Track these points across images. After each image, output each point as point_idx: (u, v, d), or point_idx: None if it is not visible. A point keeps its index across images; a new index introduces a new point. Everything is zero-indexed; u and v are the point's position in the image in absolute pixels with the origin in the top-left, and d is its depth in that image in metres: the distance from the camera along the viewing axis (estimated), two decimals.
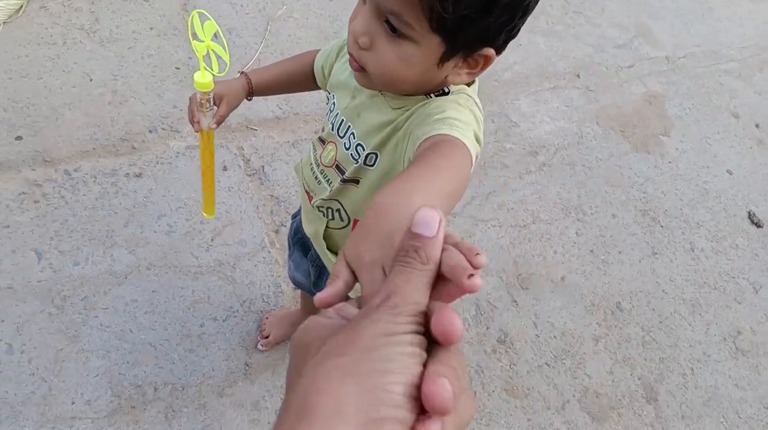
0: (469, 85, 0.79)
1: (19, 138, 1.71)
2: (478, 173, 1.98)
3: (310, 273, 1.11)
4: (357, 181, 0.85)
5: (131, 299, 1.49)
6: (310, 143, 0.95)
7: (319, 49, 0.96)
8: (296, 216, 1.14)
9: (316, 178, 0.91)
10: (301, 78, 0.98)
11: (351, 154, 0.83)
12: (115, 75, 1.92)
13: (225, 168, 1.78)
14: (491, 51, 0.68)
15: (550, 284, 1.75)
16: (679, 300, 1.81)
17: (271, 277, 1.60)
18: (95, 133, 1.77)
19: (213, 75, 0.88)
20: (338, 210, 0.91)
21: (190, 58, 2.02)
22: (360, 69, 0.72)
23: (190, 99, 0.93)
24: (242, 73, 0.98)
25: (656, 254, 1.90)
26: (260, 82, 0.98)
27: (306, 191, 0.96)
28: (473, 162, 0.66)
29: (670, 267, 1.88)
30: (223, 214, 1.68)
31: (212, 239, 1.63)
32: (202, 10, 0.86)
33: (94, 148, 1.74)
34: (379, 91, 0.79)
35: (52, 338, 1.40)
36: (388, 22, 0.65)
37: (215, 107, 0.93)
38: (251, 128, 1.89)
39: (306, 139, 1.89)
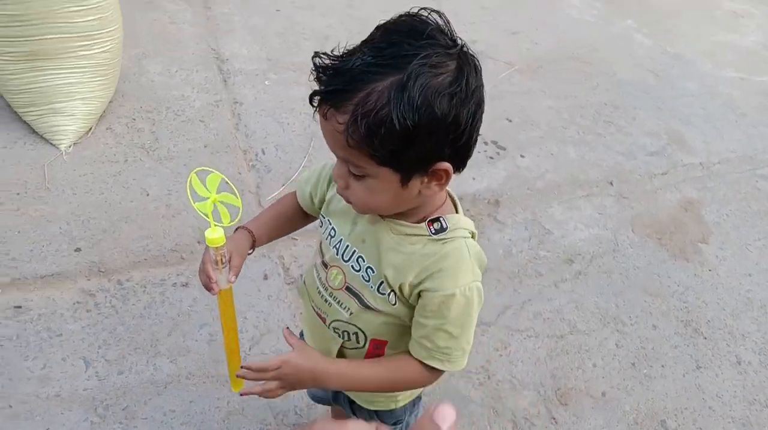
0: (456, 208, 0.90)
1: (78, 250, 1.84)
2: (512, 281, 1.99)
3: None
4: (378, 310, 0.90)
5: (169, 409, 1.52)
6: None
7: (293, 191, 1.05)
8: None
9: (326, 301, 0.97)
10: (292, 215, 1.06)
11: (361, 276, 0.90)
12: (169, 190, 2.07)
13: (265, 277, 1.86)
14: (445, 165, 0.76)
15: (591, 400, 1.70)
16: (728, 418, 1.72)
17: (305, 390, 1.62)
18: (148, 245, 1.89)
19: (224, 228, 0.88)
20: (356, 333, 0.96)
21: (240, 173, 2.18)
22: (348, 202, 0.85)
23: (203, 260, 0.92)
24: (240, 227, 1.01)
25: (701, 367, 1.83)
26: (259, 231, 1.02)
27: (316, 313, 1.00)
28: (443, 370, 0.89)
29: (716, 382, 1.80)
30: (261, 322, 1.74)
31: (250, 349, 1.68)
32: (200, 168, 0.90)
33: (145, 259, 1.85)
34: (380, 217, 0.87)
35: None
36: (348, 167, 0.78)
37: (228, 263, 0.92)
38: (292, 238, 1.99)
39: None
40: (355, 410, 1.14)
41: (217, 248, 0.88)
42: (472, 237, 0.89)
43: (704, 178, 2.54)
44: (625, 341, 1.87)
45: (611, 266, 2.10)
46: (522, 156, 2.49)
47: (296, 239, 1.99)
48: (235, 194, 0.90)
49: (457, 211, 0.90)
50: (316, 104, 0.75)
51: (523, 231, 2.17)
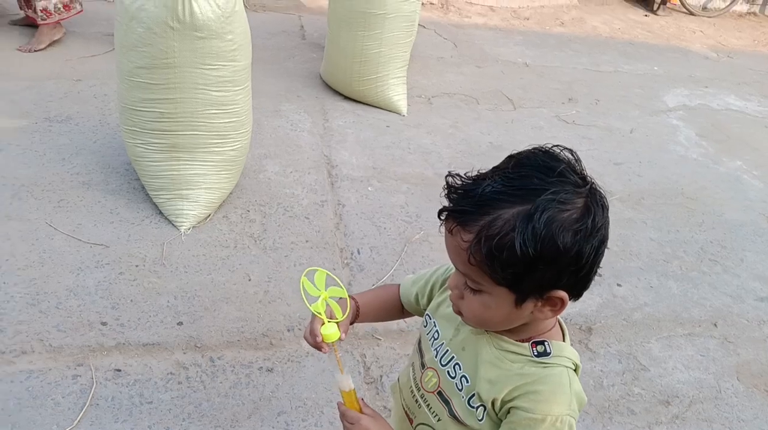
0: (563, 336, 0.90)
1: (180, 323, 1.97)
2: (601, 416, 1.88)
3: None
4: (463, 424, 0.90)
5: None
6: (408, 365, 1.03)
7: (396, 284, 1.10)
8: None
9: (416, 401, 0.98)
10: (392, 306, 1.11)
11: (455, 383, 0.91)
12: (269, 278, 2.20)
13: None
14: (562, 293, 0.78)
15: None
16: None
17: None
18: (242, 327, 1.99)
19: (338, 322, 0.96)
20: None
21: (334, 269, 2.28)
22: (459, 313, 0.88)
23: (311, 323, 0.98)
24: (350, 297, 1.06)
25: None
26: (364, 308, 1.07)
27: (405, 412, 1.01)
28: None
29: None
30: (337, 419, 1.73)
31: None
32: (308, 269, 0.99)
33: (238, 340, 1.94)
34: (484, 330, 0.89)
35: None
36: (466, 281, 0.82)
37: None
38: (376, 337, 2.02)
39: None
40: None
41: (332, 343, 0.95)
42: (576, 370, 0.88)
43: None
44: None
45: (712, 414, 1.93)
46: (619, 285, 2.42)
47: (380, 339, 2.02)
48: (340, 286, 0.99)
49: (564, 340, 0.90)
50: (443, 218, 0.81)
51: (616, 364, 2.07)
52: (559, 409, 0.83)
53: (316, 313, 0.95)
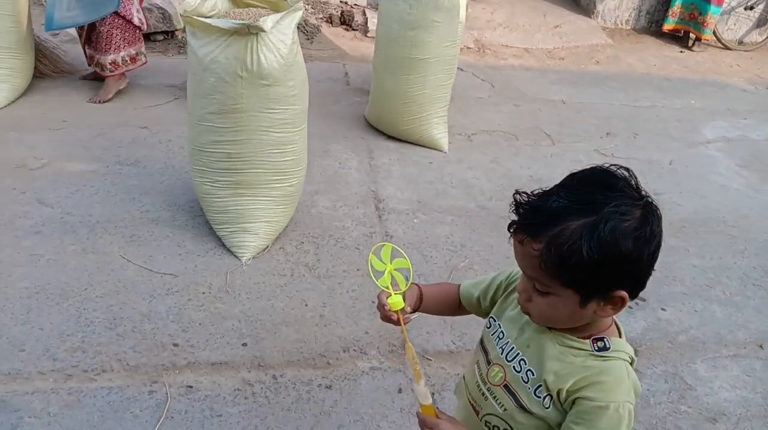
0: (620, 333, 1.01)
1: (244, 344, 2.13)
2: None
3: None
4: (530, 412, 1.01)
5: None
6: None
7: (456, 284, 1.23)
8: None
9: (483, 394, 1.08)
10: (451, 303, 1.22)
11: (521, 377, 1.02)
12: (324, 303, 2.34)
13: (399, 390, 1.99)
14: (623, 293, 0.90)
15: None
16: None
17: None
18: (301, 348, 2.13)
19: (402, 293, 1.09)
20: (505, 429, 1.05)
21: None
22: (527, 313, 1.00)
23: (379, 300, 1.12)
24: (416, 284, 1.19)
25: None
26: (426, 297, 1.20)
27: (472, 406, 1.12)
28: None
29: None
30: None
31: None
32: (375, 247, 1.12)
33: (298, 360, 2.08)
34: (548, 328, 1.00)
35: None
36: (535, 284, 0.94)
37: (410, 317, 1.13)
38: (427, 358, 2.12)
39: None
40: None
41: (397, 310, 1.08)
42: (632, 363, 0.99)
43: None
44: None
45: None
46: (663, 309, 2.47)
47: (431, 360, 2.12)
48: (404, 257, 1.11)
49: (620, 336, 1.01)
50: (512, 231, 0.95)
51: (662, 383, 2.11)
52: (620, 396, 0.93)
53: (383, 287, 1.09)
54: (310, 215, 2.87)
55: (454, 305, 1.24)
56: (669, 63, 5.64)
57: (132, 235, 2.61)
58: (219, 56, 2.19)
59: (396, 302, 1.09)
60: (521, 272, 0.99)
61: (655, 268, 0.93)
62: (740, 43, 6.32)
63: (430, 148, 3.61)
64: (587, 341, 0.98)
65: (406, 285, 1.12)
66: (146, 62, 3.91)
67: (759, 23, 6.32)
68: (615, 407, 0.92)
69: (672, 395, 2.07)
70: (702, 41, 5.98)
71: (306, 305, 2.32)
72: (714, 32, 5.96)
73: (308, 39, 5.16)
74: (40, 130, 3.35)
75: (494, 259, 2.65)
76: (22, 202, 2.74)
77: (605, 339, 0.97)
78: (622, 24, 6.28)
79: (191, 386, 1.95)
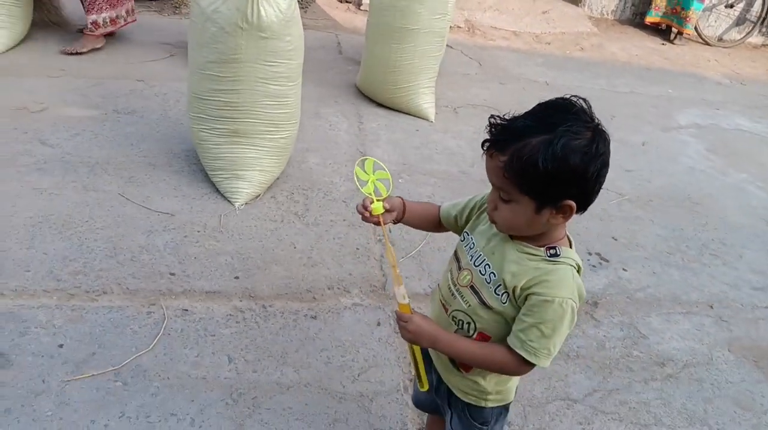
0: (570, 245, 1.18)
1: (236, 277, 2.28)
2: (602, 370, 2.13)
3: (433, 381, 1.38)
4: (490, 308, 1.18)
5: (288, 406, 1.81)
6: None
7: (435, 205, 1.38)
8: None
9: (452, 294, 1.26)
10: (432, 219, 1.37)
11: (485, 279, 1.19)
12: (312, 247, 2.50)
13: (378, 323, 2.16)
14: (571, 202, 1.06)
15: None
16: None
17: (400, 415, 1.84)
18: (289, 284, 2.29)
19: (383, 200, 1.23)
20: (468, 323, 1.23)
21: (368, 243, 2.57)
22: (493, 222, 1.17)
23: (363, 203, 1.24)
24: (400, 197, 1.33)
25: None
26: (409, 209, 1.33)
27: (442, 304, 1.29)
28: (529, 363, 1.13)
29: None
30: (371, 358, 2.02)
31: (358, 375, 1.95)
32: (359, 160, 1.25)
33: (286, 293, 2.24)
34: (510, 238, 1.17)
35: (225, 423, 1.74)
36: (500, 193, 1.11)
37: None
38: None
39: None
40: (452, 403, 1.37)
41: (378, 214, 1.24)
42: (578, 271, 1.16)
43: None
44: None
45: (703, 375, 2.17)
46: (624, 270, 2.68)
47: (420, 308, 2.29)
48: (385, 169, 1.27)
49: (571, 247, 1.18)
50: (485, 148, 1.10)
51: (618, 331, 2.32)
52: (564, 293, 1.10)
53: (366, 193, 1.24)
54: (301, 169, 3.01)
55: (435, 222, 1.39)
56: (650, 54, 5.85)
57: (130, 176, 2.74)
58: (221, 7, 2.31)
59: (377, 207, 1.24)
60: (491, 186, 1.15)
61: (603, 186, 1.09)
62: (720, 39, 6.56)
63: (418, 117, 3.76)
64: (542, 248, 1.15)
65: (387, 193, 1.28)
66: (126, 24, 3.97)
67: (738, 22, 6.55)
68: (559, 302, 1.10)
69: (626, 341, 2.27)
70: (683, 35, 6.20)
71: (295, 248, 2.48)
72: (695, 27, 6.18)
73: (303, 8, 5.26)
74: (39, 77, 3.44)
75: None
76: (24, 142, 2.84)
77: (557, 247, 1.14)
78: (608, 14, 6.47)
79: (187, 310, 2.10)
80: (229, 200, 2.68)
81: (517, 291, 1.13)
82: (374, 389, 1.91)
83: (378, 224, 1.26)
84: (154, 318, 2.05)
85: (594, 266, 2.66)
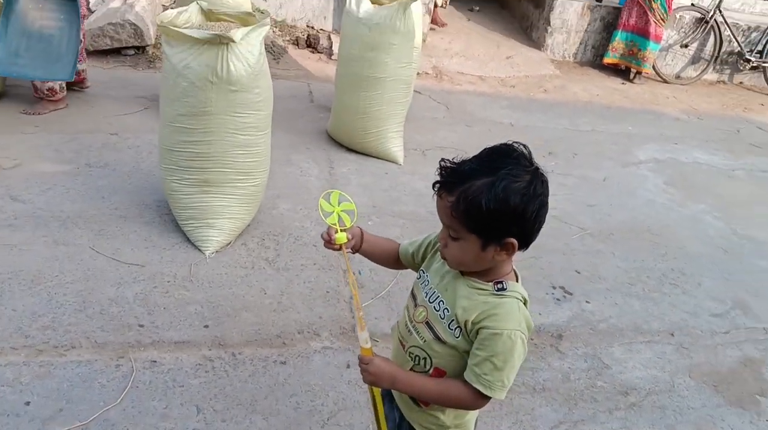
0: (517, 279, 1.25)
1: (206, 326, 2.31)
2: (567, 402, 2.18)
3: (396, 419, 1.42)
4: (444, 342, 1.25)
5: None
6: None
7: (395, 242, 1.46)
8: None
9: (409, 331, 1.32)
10: (389, 254, 1.45)
11: (439, 315, 1.26)
12: (282, 292, 2.54)
13: (348, 366, 2.20)
14: (512, 240, 1.15)
15: None
16: None
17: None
18: (259, 330, 2.32)
19: (346, 230, 1.31)
20: (424, 358, 1.29)
21: (338, 286, 2.62)
22: (444, 259, 1.25)
23: (328, 232, 1.34)
24: (360, 227, 1.41)
25: None
26: (368, 240, 1.42)
27: (400, 341, 1.35)
28: (486, 396, 1.19)
29: None
30: (340, 400, 2.05)
31: (328, 419, 1.98)
32: (324, 193, 1.34)
33: (256, 340, 2.27)
34: (461, 274, 1.25)
35: None
36: (449, 232, 1.18)
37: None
38: (374, 340, 2.33)
39: None
40: None
41: (342, 244, 1.31)
42: (525, 304, 1.23)
43: (767, 340, 2.64)
44: None
45: (666, 402, 2.23)
46: (587, 302, 2.76)
47: (378, 341, 2.33)
48: (350, 201, 1.34)
49: (517, 282, 1.26)
50: (435, 190, 1.19)
51: (582, 363, 2.38)
52: (511, 325, 1.17)
53: (330, 224, 1.32)
54: (272, 215, 3.08)
55: (393, 258, 1.46)
56: (611, 93, 6.09)
57: (101, 229, 2.77)
58: (192, 63, 2.41)
59: (341, 237, 1.32)
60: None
61: (543, 226, 1.18)
62: (677, 77, 6.86)
63: (387, 160, 3.87)
64: (490, 283, 1.22)
65: (351, 223, 1.36)
66: (80, 89, 3.98)
67: (693, 60, 6.88)
68: (508, 334, 1.16)
69: (590, 372, 2.33)
70: (643, 74, 6.48)
71: (265, 294, 2.52)
72: (653, 66, 6.47)
73: (275, 59, 5.42)
74: (12, 133, 3.49)
75: None
76: None
77: (503, 282, 1.22)
78: (569, 57, 6.75)
79: (155, 361, 2.12)
80: (199, 249, 2.72)
81: (468, 325, 1.20)
82: None
83: (339, 250, 1.33)
84: (122, 371, 2.06)
85: (558, 300, 2.74)
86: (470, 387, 1.19)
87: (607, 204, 3.74)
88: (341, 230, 1.33)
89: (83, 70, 3.96)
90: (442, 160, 1.19)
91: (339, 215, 1.35)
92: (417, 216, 3.26)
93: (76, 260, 2.56)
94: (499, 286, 1.21)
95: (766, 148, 5.25)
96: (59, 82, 3.72)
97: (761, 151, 5.14)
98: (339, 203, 1.36)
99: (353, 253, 1.40)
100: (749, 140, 5.37)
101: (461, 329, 1.22)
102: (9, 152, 3.27)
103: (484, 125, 4.77)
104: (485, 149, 1.19)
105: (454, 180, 1.15)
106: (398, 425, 1.45)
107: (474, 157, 1.19)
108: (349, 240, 1.35)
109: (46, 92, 3.72)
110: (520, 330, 1.18)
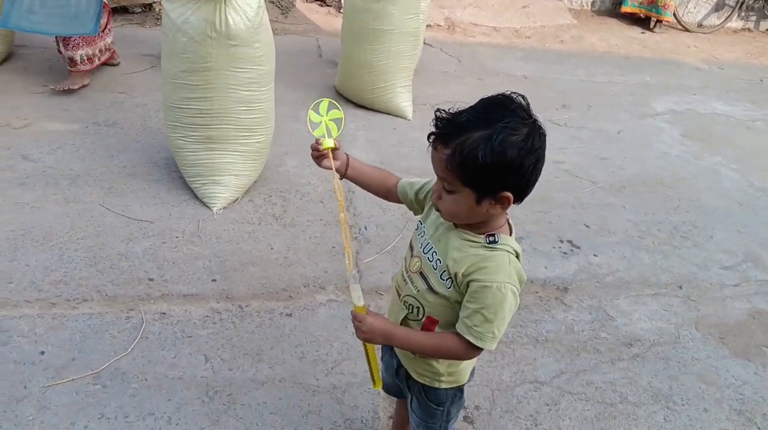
0: (511, 232, 1.24)
1: (214, 280, 2.35)
2: (570, 353, 2.19)
3: (395, 365, 1.45)
4: (436, 292, 1.25)
5: (263, 401, 1.88)
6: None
7: (395, 176, 1.44)
8: None
9: (404, 280, 1.33)
10: (386, 185, 1.43)
11: (432, 265, 1.26)
12: (288, 247, 2.57)
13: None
14: (508, 194, 1.13)
15: None
16: None
17: (372, 405, 1.91)
18: (266, 283, 2.35)
19: (333, 138, 1.31)
20: (418, 307, 1.30)
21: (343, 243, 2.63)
22: (438, 210, 1.23)
23: (313, 147, 1.34)
24: (347, 154, 1.38)
25: None
26: (355, 166, 1.41)
27: (396, 290, 1.36)
28: (477, 347, 1.19)
29: None
30: (344, 351, 2.09)
31: (332, 368, 2.02)
32: (313, 103, 1.30)
33: (262, 293, 2.31)
34: (454, 226, 1.24)
35: (201, 419, 1.81)
36: (443, 184, 1.16)
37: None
38: (379, 293, 2.36)
39: None
40: (410, 386, 1.43)
41: (328, 148, 1.31)
42: (517, 257, 1.22)
43: None
44: (673, 417, 1.97)
45: (669, 354, 2.23)
46: (595, 255, 2.74)
47: (382, 295, 2.36)
48: (338, 108, 1.32)
49: (510, 235, 1.25)
50: (431, 141, 1.17)
51: (587, 315, 2.38)
52: (501, 278, 1.17)
53: (317, 136, 1.31)
54: (278, 172, 3.08)
55: (386, 189, 1.44)
56: (630, 43, 5.91)
57: (110, 187, 2.80)
58: (190, 18, 2.38)
59: (326, 142, 1.31)
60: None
61: (539, 179, 1.15)
62: (699, 25, 6.61)
63: (395, 116, 3.83)
64: (482, 236, 1.21)
65: (338, 131, 1.34)
66: (101, 63, 3.80)
67: (717, 7, 6.61)
68: (497, 286, 1.16)
69: (594, 324, 2.34)
70: (663, 23, 6.25)
71: (271, 249, 2.55)
72: (674, 14, 6.24)
73: (283, 13, 5.33)
74: (22, 94, 3.51)
75: None
76: (7, 158, 2.91)
77: (496, 235, 1.21)
78: (587, 6, 6.54)
79: (164, 313, 2.17)
80: (207, 206, 2.75)
81: (459, 277, 1.20)
82: (347, 381, 1.98)
83: (326, 158, 1.33)
84: (132, 323, 2.12)
85: (565, 253, 2.73)
86: (462, 339, 1.20)
87: (621, 157, 3.68)
88: (328, 138, 1.32)
89: (112, 43, 3.88)
90: (438, 110, 1.16)
91: (327, 125, 1.33)
92: (425, 171, 3.19)
93: (87, 216, 2.60)
94: (491, 239, 1.20)
95: None
96: (80, 53, 3.59)
97: None
98: (328, 112, 1.33)
99: (340, 177, 1.40)
100: None
101: (452, 280, 1.22)
102: (19, 112, 3.30)
103: (497, 78, 4.67)
104: (481, 100, 1.16)
105: (450, 131, 1.12)
106: (396, 372, 1.48)
107: (470, 107, 1.15)
108: (336, 147, 1.33)
109: (67, 61, 3.56)
110: (510, 282, 1.17)
